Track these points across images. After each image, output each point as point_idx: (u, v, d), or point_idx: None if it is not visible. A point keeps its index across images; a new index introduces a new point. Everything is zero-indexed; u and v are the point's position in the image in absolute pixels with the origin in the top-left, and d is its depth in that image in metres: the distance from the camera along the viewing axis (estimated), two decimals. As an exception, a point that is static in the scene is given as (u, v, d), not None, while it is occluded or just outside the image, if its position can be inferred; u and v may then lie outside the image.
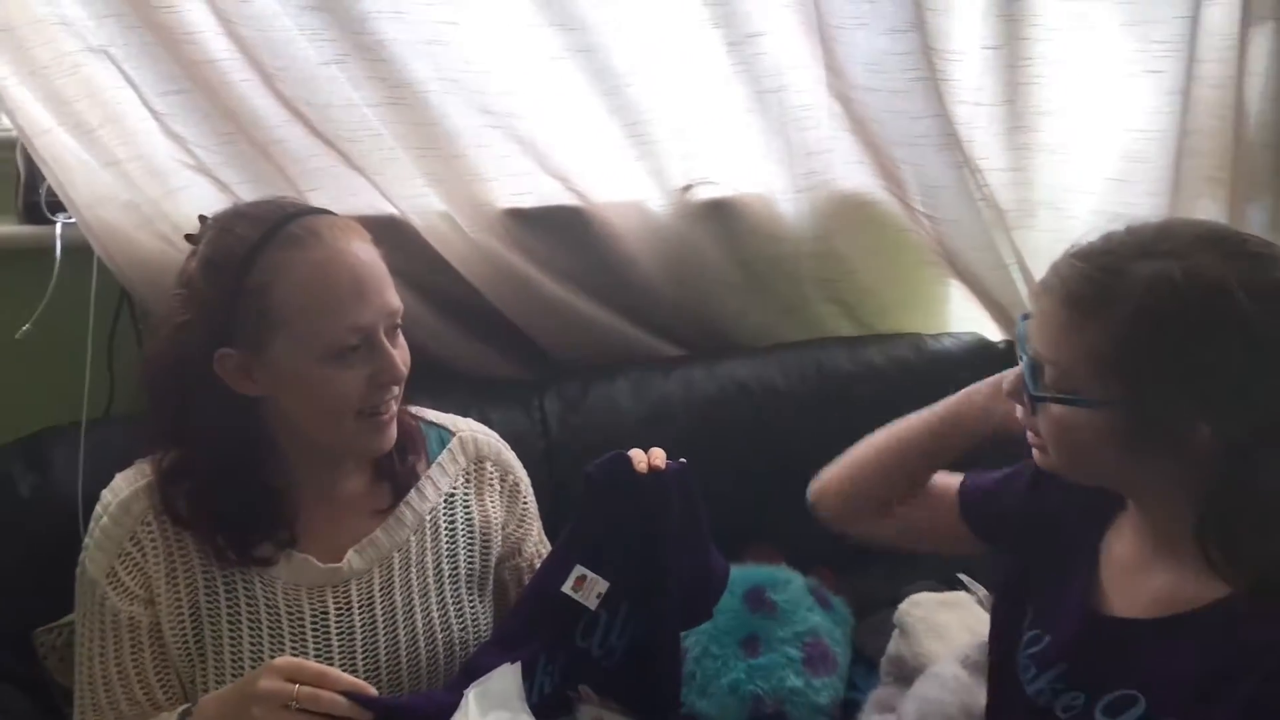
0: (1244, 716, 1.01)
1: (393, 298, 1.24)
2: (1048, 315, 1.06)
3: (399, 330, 1.26)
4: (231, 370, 1.22)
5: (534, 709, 1.17)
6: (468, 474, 1.40)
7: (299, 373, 1.21)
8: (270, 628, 1.27)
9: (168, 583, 1.26)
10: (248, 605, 1.27)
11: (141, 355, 1.64)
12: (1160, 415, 1.00)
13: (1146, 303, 0.99)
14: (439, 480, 1.37)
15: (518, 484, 1.43)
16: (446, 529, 1.36)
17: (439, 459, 1.38)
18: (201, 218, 1.30)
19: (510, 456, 1.45)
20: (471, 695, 1.14)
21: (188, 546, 1.27)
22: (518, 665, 1.20)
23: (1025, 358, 1.09)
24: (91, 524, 1.29)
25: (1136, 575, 1.12)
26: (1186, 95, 1.75)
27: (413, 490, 1.34)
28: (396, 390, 1.26)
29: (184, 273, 1.26)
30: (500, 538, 1.40)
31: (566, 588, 1.24)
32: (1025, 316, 1.12)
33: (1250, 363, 0.98)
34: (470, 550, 1.37)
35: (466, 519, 1.38)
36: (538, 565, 1.38)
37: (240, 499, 1.25)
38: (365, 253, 1.23)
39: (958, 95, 1.72)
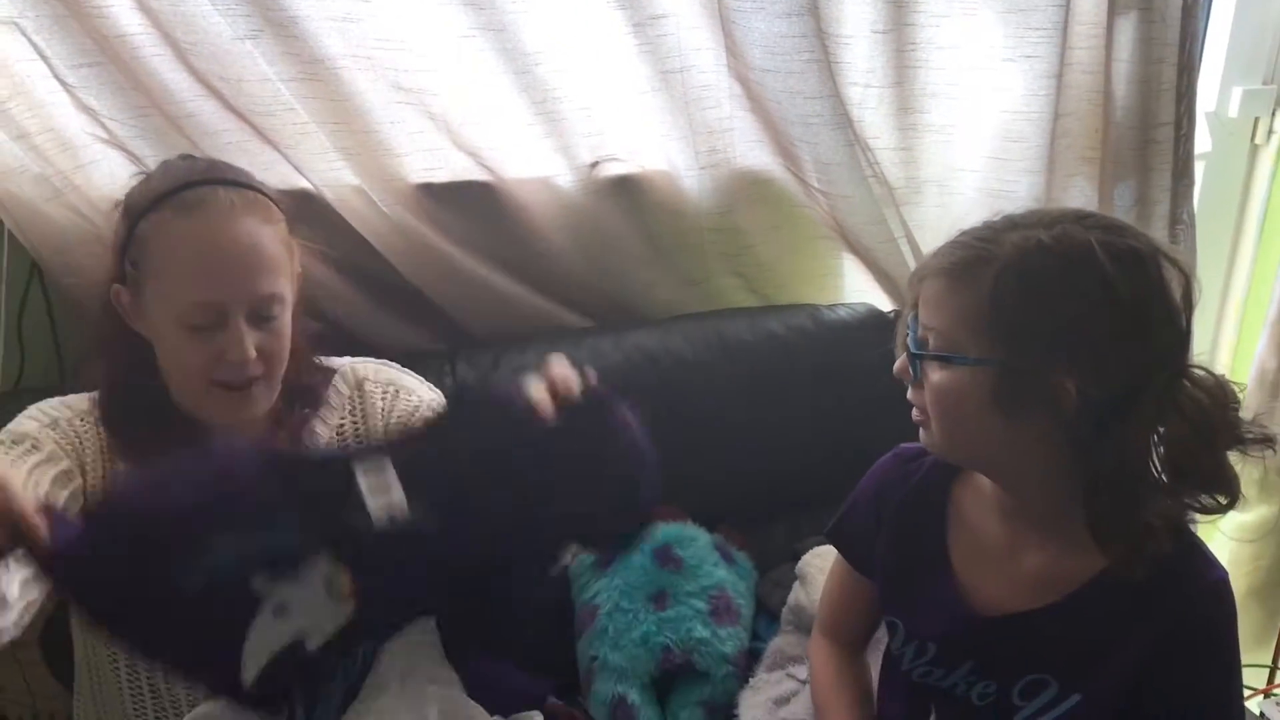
0: (1139, 673, 1.11)
1: (263, 284, 1.26)
2: (932, 290, 1.13)
3: (274, 316, 1.28)
4: (124, 306, 1.29)
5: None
6: (352, 401, 1.43)
7: (160, 328, 1.27)
8: None
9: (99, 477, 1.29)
10: None
11: (54, 326, 1.67)
12: (1031, 371, 1.06)
13: (1015, 261, 1.07)
14: (327, 417, 1.41)
15: (399, 390, 1.44)
16: None
17: (325, 396, 1.42)
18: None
19: (393, 372, 1.46)
20: None
21: (113, 458, 1.30)
22: None
23: (911, 334, 1.15)
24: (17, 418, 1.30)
25: (1003, 564, 1.19)
26: (1060, 80, 1.85)
27: (303, 433, 1.38)
28: (253, 371, 1.27)
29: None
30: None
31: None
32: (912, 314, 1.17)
33: (1110, 321, 1.05)
34: None
35: (370, 434, 1.41)
36: None
37: (153, 424, 1.29)
38: (250, 236, 1.26)
39: (849, 77, 1.80)
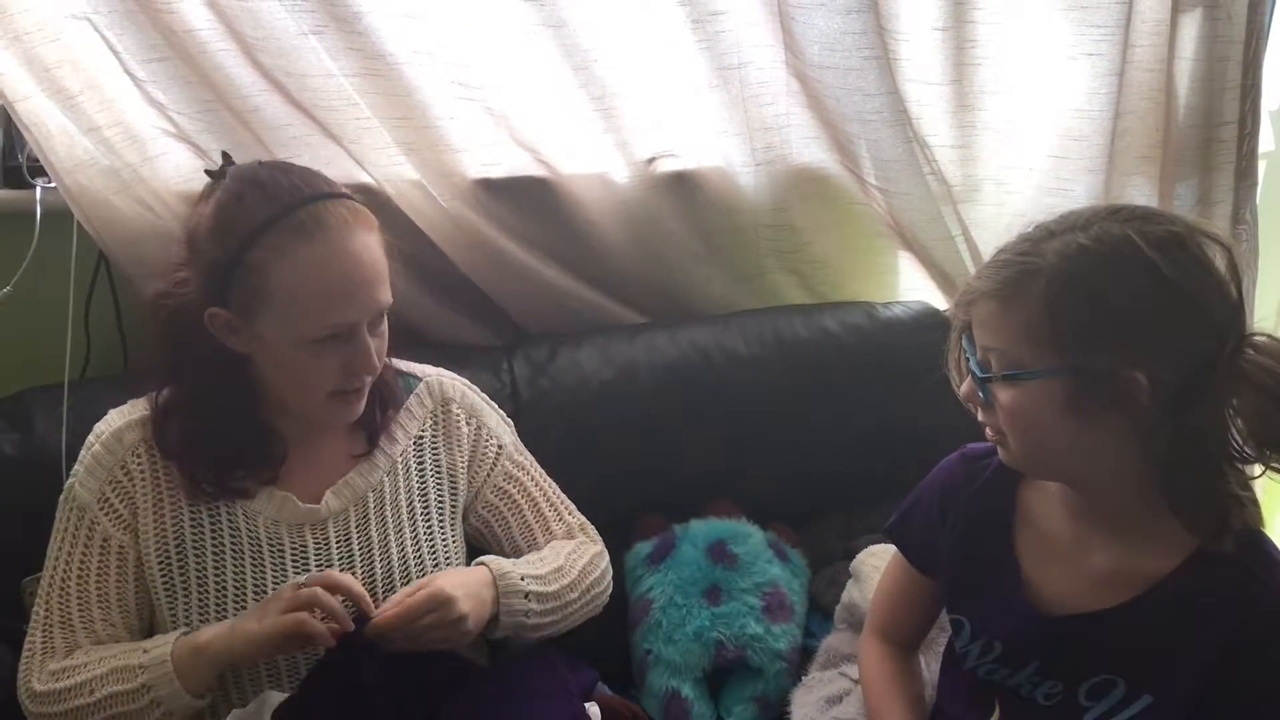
0: (1215, 676, 1.10)
1: (383, 294, 1.29)
2: (984, 312, 1.13)
3: (384, 317, 1.31)
4: (220, 327, 1.27)
5: None
6: (435, 417, 1.46)
7: (279, 350, 1.27)
8: (253, 561, 1.33)
9: (154, 513, 1.32)
10: (231, 540, 1.33)
11: (119, 316, 1.70)
12: (1100, 371, 1.06)
13: (1061, 268, 1.07)
14: (407, 425, 1.44)
15: (481, 426, 1.48)
16: (417, 470, 1.43)
17: (407, 404, 1.44)
18: (225, 155, 1.35)
19: (475, 399, 1.51)
20: None
21: (175, 480, 1.33)
22: None
23: (973, 360, 1.15)
24: (83, 452, 1.34)
25: (1071, 564, 1.19)
26: (1121, 78, 1.83)
27: (384, 436, 1.41)
28: (370, 378, 1.31)
29: (191, 221, 1.30)
30: (465, 480, 1.47)
31: None
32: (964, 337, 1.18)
33: (1164, 307, 1.05)
34: (439, 490, 1.45)
35: (435, 460, 1.45)
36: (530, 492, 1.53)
37: (228, 437, 1.32)
38: (367, 249, 1.27)
39: (908, 74, 1.79)
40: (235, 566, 1.33)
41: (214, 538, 1.33)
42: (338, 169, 1.68)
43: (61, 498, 1.34)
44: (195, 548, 1.33)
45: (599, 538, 1.57)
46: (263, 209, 1.23)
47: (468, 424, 1.47)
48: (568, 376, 1.79)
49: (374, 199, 1.70)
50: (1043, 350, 1.08)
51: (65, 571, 1.31)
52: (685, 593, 1.67)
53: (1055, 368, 1.08)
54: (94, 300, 1.69)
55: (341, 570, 1.34)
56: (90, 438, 1.35)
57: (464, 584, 1.31)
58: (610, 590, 1.55)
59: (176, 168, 1.66)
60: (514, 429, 1.54)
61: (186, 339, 1.29)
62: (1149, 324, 1.06)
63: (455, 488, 1.46)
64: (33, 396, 1.60)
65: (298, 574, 1.34)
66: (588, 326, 1.88)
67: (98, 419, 1.38)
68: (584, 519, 1.57)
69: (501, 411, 1.54)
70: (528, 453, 1.55)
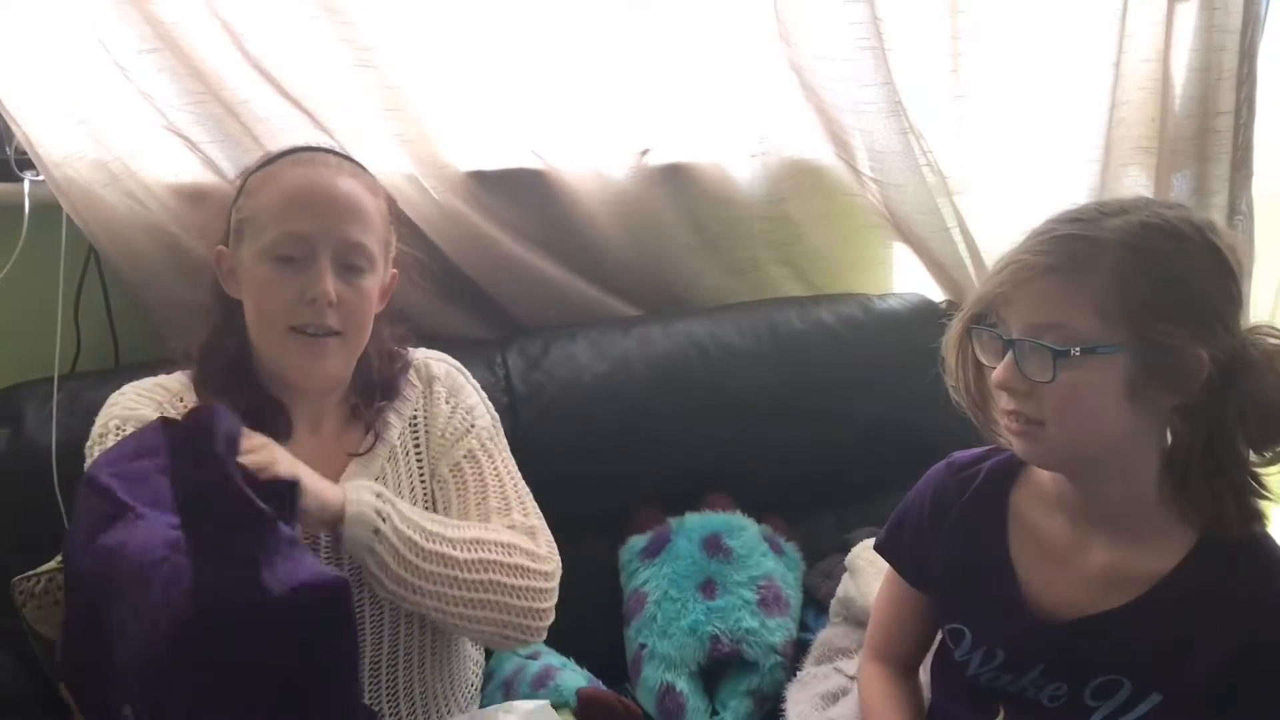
0: (1226, 673, 1.10)
1: (353, 228, 1.29)
2: (1040, 290, 1.09)
3: (360, 269, 1.30)
4: (224, 271, 1.33)
5: None
6: (424, 395, 1.45)
7: (248, 270, 1.30)
8: None
9: None
10: None
11: (109, 310, 1.69)
12: (1167, 347, 1.05)
13: (1129, 243, 1.06)
14: (401, 409, 1.43)
15: (457, 406, 1.45)
16: (415, 451, 1.42)
17: (401, 389, 1.43)
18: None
19: (460, 380, 1.48)
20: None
21: None
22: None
23: (1016, 342, 1.10)
24: (113, 398, 1.33)
25: (1070, 566, 1.17)
26: (1117, 68, 1.83)
27: (379, 424, 1.40)
28: (332, 320, 1.29)
29: None
30: (435, 447, 1.44)
31: None
32: (991, 324, 1.15)
33: (1222, 286, 1.07)
34: (430, 469, 1.43)
35: (426, 440, 1.43)
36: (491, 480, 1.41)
37: (243, 391, 1.32)
38: (348, 187, 1.31)
39: (904, 64, 1.79)
40: None
41: None
42: (329, 161, 1.67)
43: (97, 433, 1.30)
44: None
45: (552, 551, 1.38)
46: (275, 153, 1.36)
47: (447, 402, 1.45)
48: (562, 370, 1.78)
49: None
50: (1113, 325, 1.06)
51: None
52: (680, 586, 1.66)
53: (1125, 341, 1.06)
54: (84, 294, 1.67)
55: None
56: (120, 393, 1.33)
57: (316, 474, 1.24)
58: (548, 619, 1.35)
59: (166, 160, 1.65)
60: (498, 422, 1.49)
61: (209, 292, 1.36)
62: (1212, 301, 1.07)
63: (430, 464, 1.44)
64: (22, 392, 1.58)
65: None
66: (582, 319, 1.87)
67: (89, 414, 1.35)
68: (540, 524, 1.41)
69: (489, 403, 1.51)
70: (505, 448, 1.48)
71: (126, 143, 1.61)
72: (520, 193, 1.81)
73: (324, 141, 1.63)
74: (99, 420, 1.32)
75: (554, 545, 1.39)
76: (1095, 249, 1.07)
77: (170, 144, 1.65)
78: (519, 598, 1.31)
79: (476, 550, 1.29)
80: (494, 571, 1.29)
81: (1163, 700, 1.12)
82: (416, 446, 1.43)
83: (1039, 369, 1.09)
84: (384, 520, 1.24)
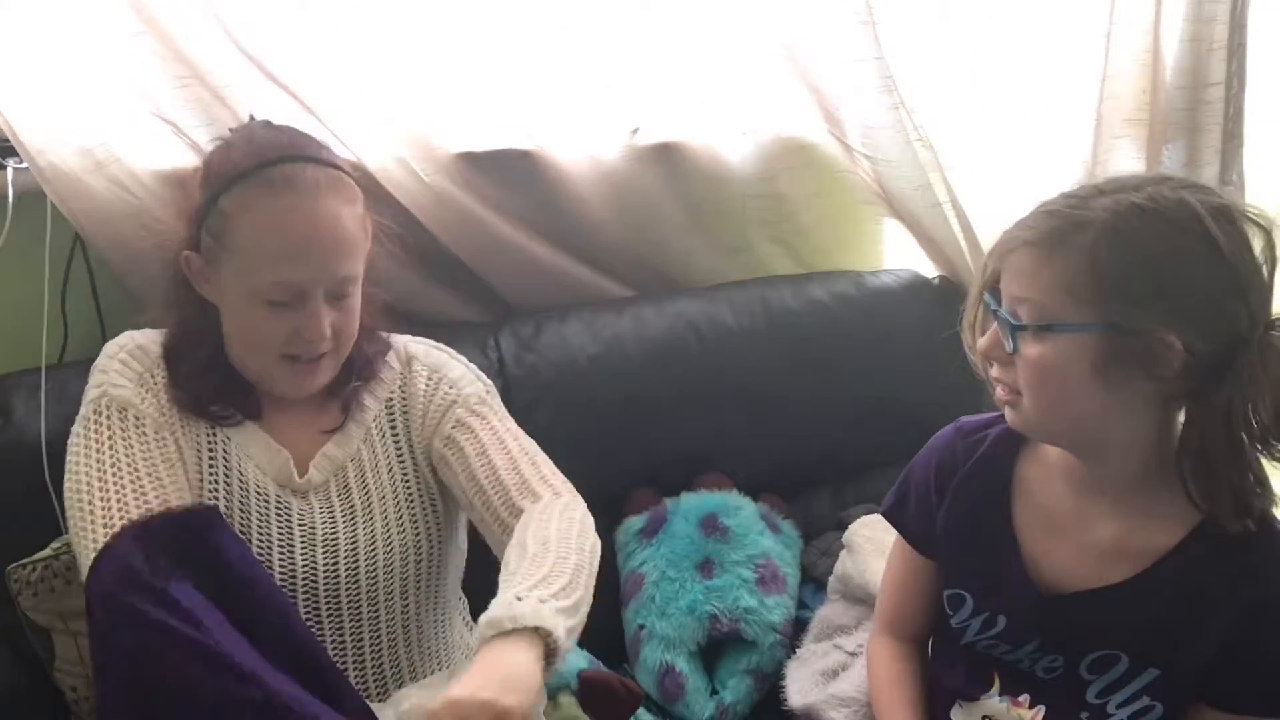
0: (1225, 650, 1.10)
1: (343, 264, 1.28)
2: (1022, 261, 1.10)
3: (348, 295, 1.30)
4: (194, 273, 1.31)
5: None
6: (403, 377, 1.44)
7: (234, 301, 1.29)
8: (240, 506, 1.32)
9: (181, 424, 1.32)
10: (225, 473, 1.33)
11: (96, 298, 1.68)
12: (1139, 331, 1.04)
13: (1111, 223, 1.05)
14: (377, 391, 1.42)
15: (441, 380, 1.44)
16: (391, 434, 1.42)
17: (378, 370, 1.43)
18: (251, 116, 1.41)
19: (440, 356, 1.47)
20: None
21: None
22: None
23: (996, 312, 1.13)
24: (103, 362, 1.33)
25: (1074, 538, 1.17)
26: (1108, 39, 1.83)
27: (354, 404, 1.40)
28: (325, 347, 1.30)
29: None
30: (419, 434, 1.42)
31: None
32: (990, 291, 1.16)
33: (1210, 273, 1.04)
34: (413, 451, 1.42)
35: (405, 422, 1.43)
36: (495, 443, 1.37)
37: (212, 377, 1.33)
38: (334, 218, 1.26)
39: (894, 39, 1.77)
40: (226, 503, 1.32)
41: (210, 466, 1.33)
42: (317, 145, 1.66)
43: (89, 410, 1.29)
44: (196, 471, 1.32)
45: (568, 487, 1.36)
46: (244, 161, 1.26)
47: (428, 380, 1.44)
48: (555, 352, 1.77)
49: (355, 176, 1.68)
50: (1082, 305, 1.06)
51: (131, 469, 1.24)
52: (678, 566, 1.66)
53: (1091, 323, 1.06)
54: (70, 282, 1.65)
55: (324, 538, 1.34)
56: (111, 348, 1.34)
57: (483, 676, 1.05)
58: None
59: (152, 146, 1.62)
60: (491, 389, 1.47)
61: (179, 280, 1.33)
62: (1193, 288, 1.04)
63: (413, 446, 1.43)
64: (10, 381, 1.57)
65: (282, 536, 1.33)
66: (574, 301, 1.86)
67: (78, 403, 1.34)
68: (551, 471, 1.38)
69: (479, 372, 1.48)
70: (501, 410, 1.44)
71: (111, 128, 1.59)
72: (511, 174, 1.80)
73: (311, 126, 1.63)
74: (92, 387, 1.32)
75: (566, 480, 1.36)
76: (1074, 227, 1.07)
77: (156, 129, 1.62)
78: (598, 546, 1.28)
79: (574, 575, 1.20)
80: (585, 569, 1.23)
81: (1160, 675, 1.13)
82: (394, 429, 1.42)
83: (1006, 340, 1.11)
84: (553, 640, 1.09)
